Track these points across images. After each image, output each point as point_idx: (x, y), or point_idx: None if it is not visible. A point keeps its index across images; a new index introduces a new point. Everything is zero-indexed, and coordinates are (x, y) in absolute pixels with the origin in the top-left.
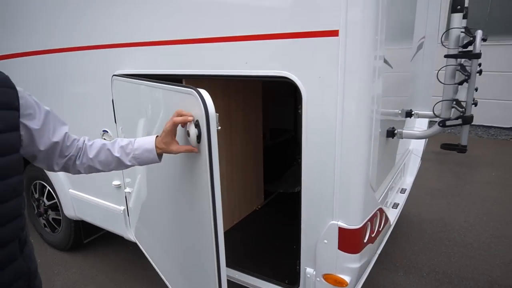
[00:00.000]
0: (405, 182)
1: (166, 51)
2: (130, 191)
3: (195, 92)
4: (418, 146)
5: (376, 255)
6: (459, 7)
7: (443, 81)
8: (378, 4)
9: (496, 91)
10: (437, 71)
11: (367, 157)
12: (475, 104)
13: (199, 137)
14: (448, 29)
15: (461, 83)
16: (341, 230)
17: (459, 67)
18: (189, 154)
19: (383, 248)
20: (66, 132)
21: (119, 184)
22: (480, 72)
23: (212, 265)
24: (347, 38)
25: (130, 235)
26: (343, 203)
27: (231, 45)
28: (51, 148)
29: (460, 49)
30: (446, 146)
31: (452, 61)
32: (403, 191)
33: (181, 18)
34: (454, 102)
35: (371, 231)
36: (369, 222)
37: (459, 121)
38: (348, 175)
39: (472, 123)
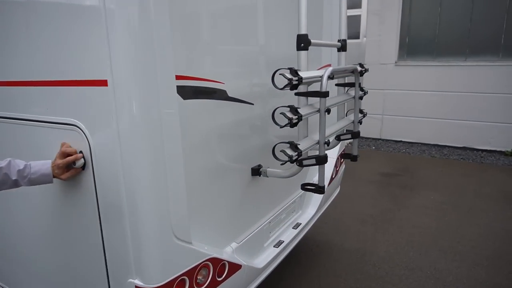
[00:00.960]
0: (302, 216)
1: None
2: None
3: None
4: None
5: None
6: (302, 44)
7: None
8: (145, 54)
9: (448, 110)
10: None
11: (159, 204)
12: (327, 143)
13: (84, 166)
14: (276, 70)
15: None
16: None
17: (288, 108)
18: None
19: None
20: None
21: None
22: (328, 111)
23: None
24: (115, 87)
25: None
26: (137, 258)
27: (34, 90)
28: None
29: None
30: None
31: (302, 99)
32: (296, 226)
33: None
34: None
35: (196, 285)
36: (185, 277)
37: (313, 161)
38: (137, 226)
39: (427, 143)
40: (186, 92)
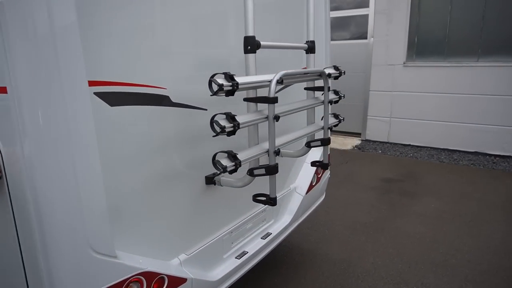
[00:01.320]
0: (274, 226)
1: None
2: None
3: None
4: (302, 184)
5: None
6: (249, 47)
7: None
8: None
9: (459, 113)
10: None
11: (68, 217)
12: (277, 153)
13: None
14: (212, 75)
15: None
16: None
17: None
18: None
19: None
20: None
21: None
22: (277, 117)
23: None
24: (14, 95)
25: None
26: (48, 274)
27: None
28: None
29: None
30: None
31: (251, 105)
32: (266, 236)
33: None
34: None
35: None
36: None
37: (263, 171)
38: (46, 240)
39: (436, 147)
40: (114, 99)
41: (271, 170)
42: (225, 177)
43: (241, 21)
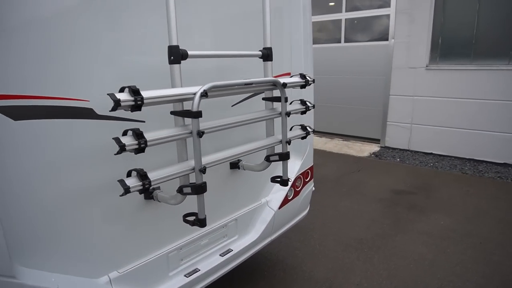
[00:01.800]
0: (238, 242)
1: None
2: None
3: None
4: (276, 199)
5: None
6: (172, 57)
7: None
8: None
9: (488, 120)
10: None
11: None
12: (203, 171)
13: None
14: (121, 88)
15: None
16: None
17: (132, 131)
18: None
19: None
20: None
21: None
22: (200, 133)
23: None
24: None
25: None
26: None
27: None
28: None
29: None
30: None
31: (178, 119)
32: (225, 253)
33: None
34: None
35: None
36: None
37: (189, 190)
38: None
39: (461, 157)
40: (18, 113)
41: (197, 189)
42: (162, 193)
43: (181, 28)
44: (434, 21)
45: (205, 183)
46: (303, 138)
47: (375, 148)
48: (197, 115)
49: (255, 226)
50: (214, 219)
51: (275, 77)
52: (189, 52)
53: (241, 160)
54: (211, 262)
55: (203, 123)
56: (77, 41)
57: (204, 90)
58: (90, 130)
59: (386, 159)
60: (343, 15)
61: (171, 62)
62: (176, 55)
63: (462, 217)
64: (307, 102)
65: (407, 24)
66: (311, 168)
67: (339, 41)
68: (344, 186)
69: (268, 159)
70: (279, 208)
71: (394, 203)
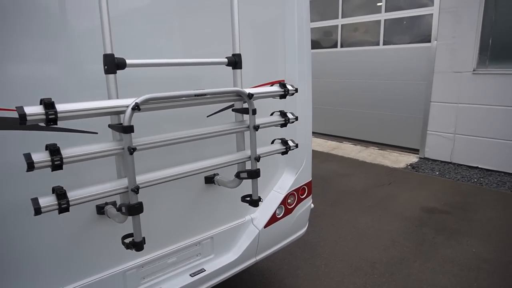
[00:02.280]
0: (213, 262)
1: None
2: None
3: None
4: (262, 217)
5: None
6: (106, 67)
7: None
8: None
9: None
10: None
11: None
12: (135, 191)
13: None
14: (41, 100)
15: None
16: None
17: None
18: None
19: None
20: None
21: None
22: (130, 150)
23: None
24: None
25: None
26: None
27: None
28: None
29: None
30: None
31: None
32: (197, 273)
33: None
34: None
35: None
36: None
37: (124, 209)
38: None
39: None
40: None
41: (131, 210)
42: (111, 209)
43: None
44: (484, 20)
45: (140, 203)
46: (283, 153)
47: (413, 159)
48: (127, 130)
49: (236, 245)
50: (185, 236)
51: (264, 85)
52: (128, 61)
53: (217, 175)
54: (179, 282)
55: (144, 138)
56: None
57: (136, 103)
58: (34, 141)
59: (423, 171)
60: (383, 16)
61: (106, 71)
62: (110, 64)
63: (501, 245)
64: (289, 114)
65: (452, 24)
66: (308, 184)
67: (378, 44)
68: (369, 200)
69: (238, 176)
70: (265, 226)
71: (421, 223)
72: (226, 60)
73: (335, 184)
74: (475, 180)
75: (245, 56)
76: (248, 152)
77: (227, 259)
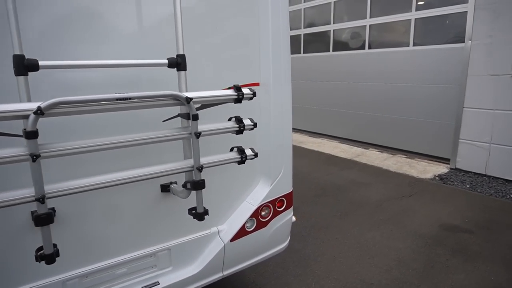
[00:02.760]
0: (170, 275)
1: None
2: None
3: None
4: (229, 229)
5: None
6: (15, 68)
7: None
8: None
9: None
10: None
11: None
12: (41, 200)
13: None
14: None
15: None
16: None
17: None
18: None
19: None
20: None
21: None
22: (33, 157)
23: None
24: None
25: None
26: None
27: None
28: None
29: None
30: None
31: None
32: (149, 286)
33: None
34: None
35: None
36: None
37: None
38: None
39: None
40: None
41: (37, 220)
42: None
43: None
44: None
45: (49, 213)
46: (239, 163)
47: (442, 169)
48: (30, 135)
49: (198, 258)
50: (137, 247)
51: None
52: (41, 63)
53: (174, 183)
54: None
55: (55, 144)
56: None
57: (38, 107)
58: None
59: (452, 184)
60: (413, 15)
61: (15, 73)
62: (19, 66)
63: None
64: (247, 120)
65: (489, 22)
66: (287, 196)
67: (407, 45)
68: (383, 213)
69: (185, 186)
70: (232, 240)
71: (437, 242)
72: (166, 61)
73: (349, 193)
74: (511, 196)
75: (213, 59)
76: (189, 162)
77: (187, 272)
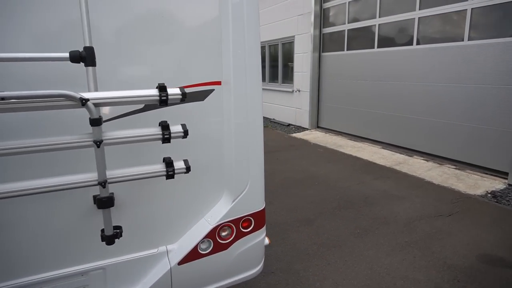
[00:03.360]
0: None
1: None
2: None
3: None
4: (181, 249)
5: None
6: None
7: None
8: None
9: None
10: None
11: None
12: None
13: None
14: None
15: None
16: None
17: None
18: None
19: None
20: None
21: None
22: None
23: None
24: None
25: None
26: None
27: None
28: None
29: None
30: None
31: None
32: None
33: None
34: None
35: None
36: None
37: None
38: None
39: None
40: None
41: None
42: None
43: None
44: None
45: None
46: (168, 177)
47: (497, 185)
48: None
49: (140, 281)
50: (64, 264)
51: (195, 86)
52: None
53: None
54: None
55: None
56: None
57: None
58: None
59: (508, 203)
60: (469, 4)
61: None
62: None
63: None
64: (175, 127)
65: None
66: (257, 214)
67: (462, 39)
68: (410, 234)
69: (94, 201)
70: (180, 263)
71: (469, 277)
72: (67, 55)
73: (377, 207)
74: None
75: (168, 55)
76: (91, 178)
77: None
